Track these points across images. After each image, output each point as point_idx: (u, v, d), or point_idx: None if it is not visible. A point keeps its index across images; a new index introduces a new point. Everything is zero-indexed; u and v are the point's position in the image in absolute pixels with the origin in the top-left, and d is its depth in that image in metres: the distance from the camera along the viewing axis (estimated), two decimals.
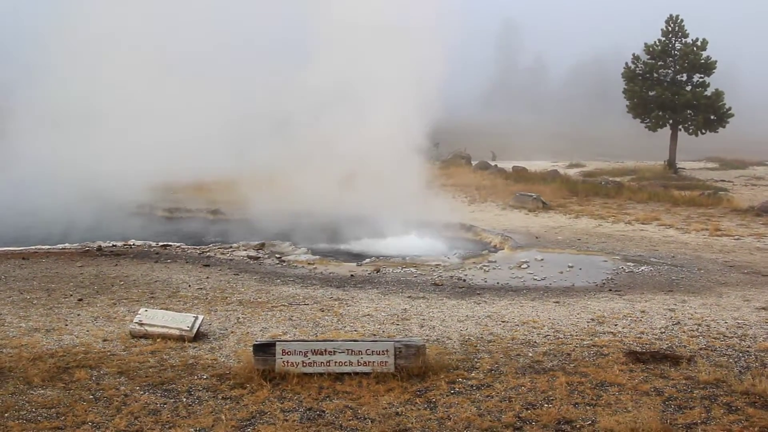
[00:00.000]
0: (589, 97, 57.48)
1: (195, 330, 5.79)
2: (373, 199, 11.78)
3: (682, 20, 25.70)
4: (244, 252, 10.15)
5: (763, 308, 6.85)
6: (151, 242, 10.73)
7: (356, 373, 4.73)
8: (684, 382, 4.68)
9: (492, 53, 66.28)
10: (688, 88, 25.43)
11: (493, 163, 28.08)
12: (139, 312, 6.05)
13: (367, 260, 9.88)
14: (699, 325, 6.22)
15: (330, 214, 12.40)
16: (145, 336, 5.74)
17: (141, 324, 5.81)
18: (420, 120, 11.96)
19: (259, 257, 9.84)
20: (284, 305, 7.02)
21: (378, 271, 9.00)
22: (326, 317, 6.59)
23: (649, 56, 26.08)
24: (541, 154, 31.22)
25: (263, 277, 8.53)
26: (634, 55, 26.48)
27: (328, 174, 12.50)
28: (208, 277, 8.43)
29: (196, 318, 5.93)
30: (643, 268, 9.18)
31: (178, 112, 14.85)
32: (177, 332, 5.73)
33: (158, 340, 5.67)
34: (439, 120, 12.40)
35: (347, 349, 4.77)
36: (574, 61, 63.70)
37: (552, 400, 4.37)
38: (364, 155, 11.87)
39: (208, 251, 10.19)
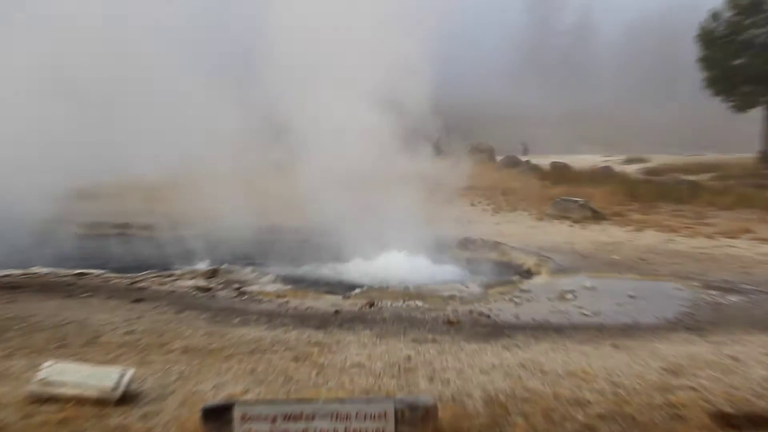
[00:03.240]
0: (651, 69, 57.60)
1: (121, 389, 5.67)
2: (365, 208, 11.97)
3: None
4: (191, 281, 10.15)
5: None
6: (61, 270, 10.66)
7: None
8: None
9: (521, 15, 66.16)
10: None
11: (524, 159, 28.33)
12: (43, 366, 5.91)
13: (357, 290, 9.93)
14: None
15: (307, 229, 12.62)
16: (52, 399, 5.62)
17: (46, 383, 5.69)
18: (415, 103, 12.08)
19: (211, 288, 9.86)
20: (245, 353, 6.97)
21: (372, 305, 9.00)
22: (302, 369, 6.55)
23: (733, 12, 25.53)
24: (589, 146, 31.50)
25: (216, 314, 8.52)
26: (712, 10, 26.10)
27: (303, 176, 12.76)
28: (140, 317, 8.35)
29: (124, 373, 5.82)
30: (732, 298, 9.21)
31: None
32: (96, 393, 5.61)
33: (70, 404, 5.52)
34: (446, 101, 12.82)
35: (331, 413, 4.66)
36: (628, 21, 63.03)
37: None
38: (344, 151, 12.12)
39: (141, 281, 10.16)
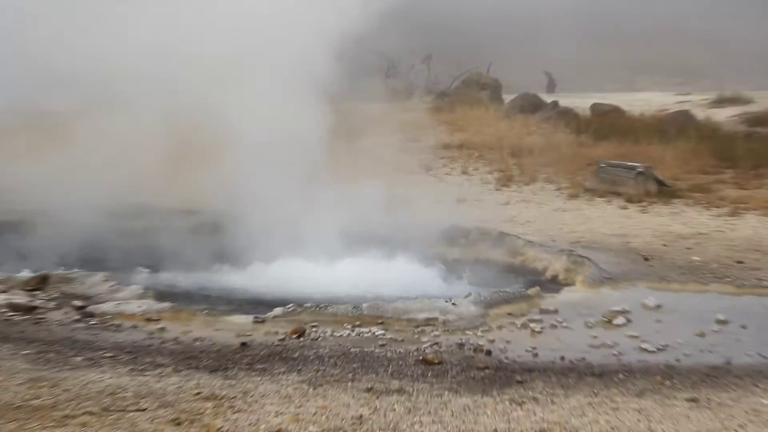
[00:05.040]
0: None
1: None
2: (293, 182, 12.36)
3: None
4: (1, 296, 10.08)
5: None
6: None
7: None
8: None
9: None
10: None
11: (549, 100, 28.27)
12: None
13: (279, 310, 9.95)
14: None
15: (200, 212, 13.08)
16: None
17: None
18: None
19: (37, 307, 9.80)
20: (94, 413, 6.84)
21: (301, 334, 9.06)
22: None
23: None
24: (653, 79, 31.57)
25: (46, 350, 8.46)
26: None
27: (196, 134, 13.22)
28: None
29: None
30: None
31: None
32: None
33: None
34: (433, 10, 13.03)
35: None
36: None
37: None
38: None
39: None
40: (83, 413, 6.80)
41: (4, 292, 10.19)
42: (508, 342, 8.92)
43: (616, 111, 24.52)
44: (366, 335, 9.14)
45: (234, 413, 6.88)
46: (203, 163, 13.44)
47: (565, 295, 10.90)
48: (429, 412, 6.95)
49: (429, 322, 9.57)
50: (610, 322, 9.60)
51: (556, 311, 10.03)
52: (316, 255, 12.12)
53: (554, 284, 11.56)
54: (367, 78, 14.01)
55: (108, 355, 8.38)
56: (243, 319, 9.69)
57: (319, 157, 12.88)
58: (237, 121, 12.66)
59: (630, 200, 15.36)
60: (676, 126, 20.50)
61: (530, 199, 15.86)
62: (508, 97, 28.67)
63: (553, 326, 9.50)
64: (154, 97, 13.19)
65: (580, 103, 24.24)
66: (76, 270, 11.24)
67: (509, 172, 17.18)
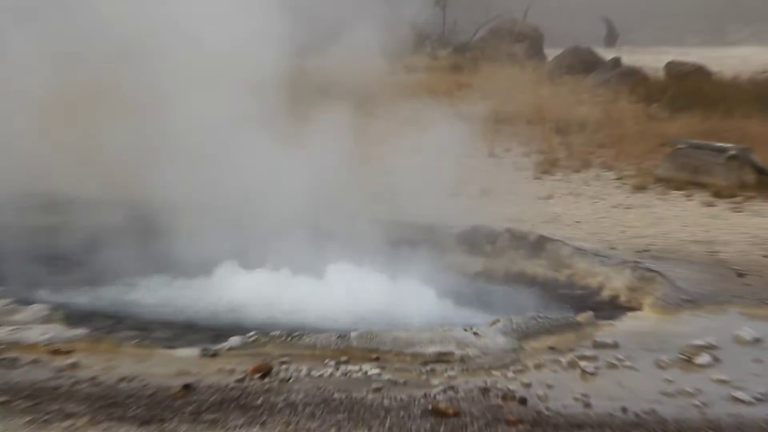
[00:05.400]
0: None
1: None
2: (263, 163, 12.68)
3: None
4: None
5: None
6: None
7: None
8: None
9: None
10: None
11: (608, 56, 28.31)
12: None
13: (235, 339, 9.93)
14: None
15: (133, 204, 13.39)
16: None
17: None
18: None
19: None
20: None
21: (266, 373, 9.04)
22: None
23: None
24: (749, 30, 31.61)
25: None
26: None
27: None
28: None
29: None
30: None
31: None
32: None
33: None
34: None
35: None
36: None
37: None
38: None
39: None
40: None
41: None
42: (549, 387, 8.77)
43: (699, 72, 24.59)
44: (355, 375, 9.04)
45: None
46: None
47: (629, 323, 10.82)
48: None
49: (442, 357, 9.44)
50: (690, 361, 9.45)
51: (616, 345, 9.90)
52: (283, 263, 12.23)
53: (614, 308, 11.53)
54: (359, 26, 13.86)
55: None
56: (186, 353, 9.63)
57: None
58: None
59: (719, 194, 15.37)
60: None
61: (581, 192, 15.96)
62: (551, 53, 28.69)
63: (612, 366, 9.34)
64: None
65: (651, 61, 24.19)
66: None
67: (553, 155, 17.34)
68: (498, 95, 19.21)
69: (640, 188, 16.13)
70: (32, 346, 9.69)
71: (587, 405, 8.41)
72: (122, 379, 8.89)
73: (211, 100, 13.34)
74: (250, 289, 11.87)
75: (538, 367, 9.31)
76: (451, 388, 8.69)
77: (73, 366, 9.18)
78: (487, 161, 15.91)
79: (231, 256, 12.51)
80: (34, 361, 9.31)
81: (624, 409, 8.33)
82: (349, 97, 14.54)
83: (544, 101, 19.53)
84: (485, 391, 8.63)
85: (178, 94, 13.32)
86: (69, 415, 8.00)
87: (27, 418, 7.94)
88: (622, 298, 11.95)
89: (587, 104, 19.79)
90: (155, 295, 11.91)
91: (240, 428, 7.81)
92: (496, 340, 9.97)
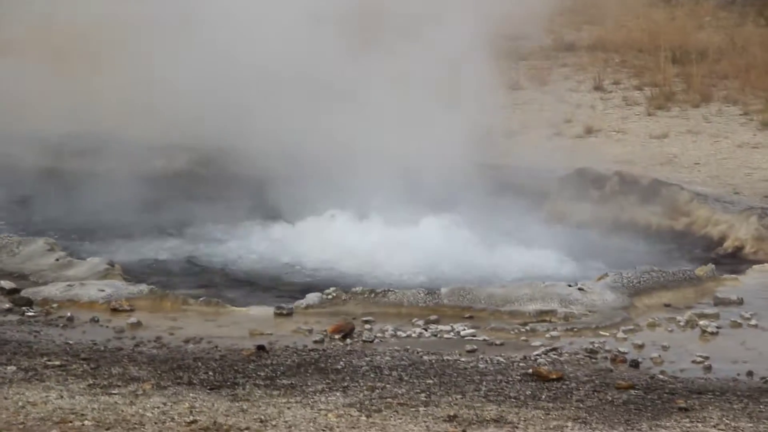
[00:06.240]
0: None
1: None
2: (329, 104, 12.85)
3: None
4: None
5: None
6: None
7: None
8: None
9: None
10: None
11: None
12: None
13: (313, 296, 9.95)
14: None
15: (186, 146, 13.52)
16: None
17: None
18: None
19: None
20: None
21: (347, 334, 8.92)
22: None
23: None
24: None
25: None
26: None
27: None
28: None
29: None
30: None
31: None
32: None
33: None
34: None
35: None
36: None
37: None
38: None
39: None
40: None
41: None
42: (665, 348, 8.68)
43: None
44: (447, 336, 8.99)
45: None
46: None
47: (755, 277, 10.72)
48: None
49: (543, 316, 9.39)
50: None
51: (740, 302, 9.77)
52: (370, 213, 12.28)
53: (738, 260, 11.60)
54: None
55: (55, 363, 8.23)
56: (259, 311, 9.62)
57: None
58: None
59: None
60: None
61: (701, 129, 15.94)
62: None
63: (736, 325, 9.26)
64: None
65: None
66: (2, 233, 11.06)
67: (668, 88, 17.32)
68: (605, 20, 18.80)
69: None
70: (90, 304, 9.62)
71: (708, 369, 8.33)
72: (188, 341, 8.91)
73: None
74: (329, 242, 11.96)
75: (651, 326, 9.32)
76: (554, 349, 8.63)
77: (135, 326, 9.22)
78: (593, 96, 15.52)
79: (317, 204, 12.59)
80: (92, 320, 9.33)
81: (750, 373, 8.22)
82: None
83: (658, 26, 19.29)
84: (592, 353, 8.61)
85: None
86: (132, 380, 7.96)
87: (87, 382, 7.88)
88: (748, 249, 11.91)
89: (708, 29, 19.51)
90: (223, 247, 12.03)
91: (320, 394, 7.71)
92: (604, 296, 9.88)
